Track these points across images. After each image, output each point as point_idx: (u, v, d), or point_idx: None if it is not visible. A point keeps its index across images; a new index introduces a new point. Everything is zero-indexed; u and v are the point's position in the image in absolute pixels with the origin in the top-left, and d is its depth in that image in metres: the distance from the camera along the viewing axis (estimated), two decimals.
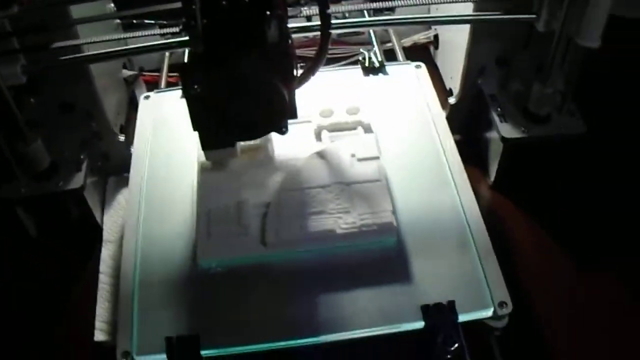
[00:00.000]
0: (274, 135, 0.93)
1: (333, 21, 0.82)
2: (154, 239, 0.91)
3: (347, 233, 0.85)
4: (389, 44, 1.30)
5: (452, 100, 1.20)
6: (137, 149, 1.03)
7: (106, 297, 1.03)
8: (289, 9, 0.84)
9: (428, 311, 0.81)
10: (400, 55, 1.26)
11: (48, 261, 1.10)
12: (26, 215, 1.09)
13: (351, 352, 0.84)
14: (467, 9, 1.06)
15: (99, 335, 0.99)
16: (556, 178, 1.15)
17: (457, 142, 1.01)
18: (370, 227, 0.86)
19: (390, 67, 1.13)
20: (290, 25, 0.85)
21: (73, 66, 1.00)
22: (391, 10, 1.19)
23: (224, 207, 0.88)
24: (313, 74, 0.85)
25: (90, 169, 1.07)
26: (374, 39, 1.25)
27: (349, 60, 1.31)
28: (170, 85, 1.23)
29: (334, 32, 0.97)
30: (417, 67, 1.14)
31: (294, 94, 0.83)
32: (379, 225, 0.86)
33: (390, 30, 1.30)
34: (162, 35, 1.06)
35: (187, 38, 0.92)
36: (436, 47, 1.36)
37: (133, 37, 1.02)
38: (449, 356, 0.82)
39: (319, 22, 0.82)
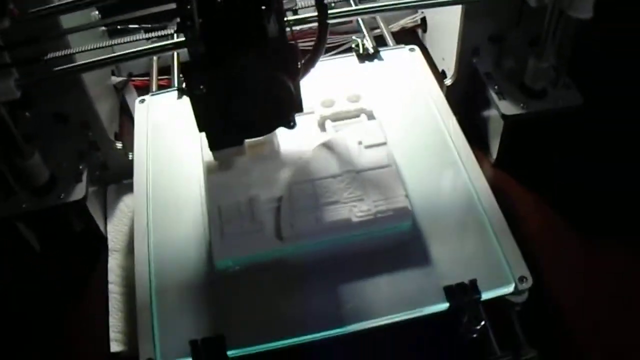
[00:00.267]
0: (278, 130, 0.92)
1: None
2: (165, 243, 0.90)
3: (363, 221, 0.85)
4: (377, 31, 1.30)
5: (448, 81, 1.21)
6: (137, 154, 1.02)
7: (118, 307, 1.03)
8: (283, 1, 0.83)
9: (451, 292, 0.81)
10: (389, 40, 1.26)
11: (49, 263, 1.10)
12: (28, 230, 1.08)
13: (373, 339, 0.85)
14: None
15: (115, 346, 0.98)
16: (555, 152, 1.16)
17: None
18: (385, 213, 0.85)
19: (384, 53, 1.14)
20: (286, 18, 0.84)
21: (66, 76, 0.98)
22: None
23: (235, 204, 0.87)
24: (313, 65, 0.85)
25: (89, 179, 1.06)
26: (362, 26, 1.24)
27: (339, 49, 1.31)
28: (161, 88, 1.22)
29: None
30: (411, 50, 1.14)
31: (299, 87, 0.83)
32: (394, 210, 0.86)
33: (378, 16, 1.30)
34: (148, 39, 1.04)
35: (182, 39, 0.93)
36: (424, 30, 1.36)
37: (124, 42, 1.00)
38: (474, 335, 0.82)
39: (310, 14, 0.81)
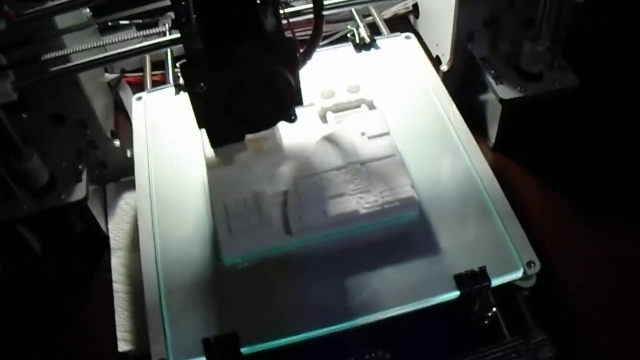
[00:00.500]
0: (279, 123, 0.92)
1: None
2: (172, 241, 0.90)
3: (371, 212, 0.85)
4: (369, 18, 1.29)
5: (443, 67, 1.21)
6: (137, 151, 1.01)
7: (124, 306, 1.03)
8: None
9: (461, 280, 0.82)
10: (382, 27, 1.26)
11: (50, 263, 1.09)
12: (29, 232, 1.08)
13: (384, 330, 0.85)
14: None
15: (123, 346, 0.98)
16: (552, 135, 1.17)
17: None
18: (392, 203, 0.86)
19: (380, 41, 1.14)
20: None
21: (63, 77, 0.97)
22: None
23: (241, 200, 0.87)
24: (310, 57, 0.85)
25: (89, 179, 1.05)
26: (356, 14, 1.24)
27: (331, 38, 1.31)
28: (155, 83, 1.22)
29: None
30: (407, 38, 1.14)
31: (299, 80, 0.83)
32: (401, 200, 0.86)
33: (369, 5, 1.29)
34: (143, 37, 1.04)
35: (177, 36, 0.92)
36: (416, 16, 1.36)
37: (119, 41, 1.00)
38: (485, 322, 0.83)
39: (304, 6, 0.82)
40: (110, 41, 1.00)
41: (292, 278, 0.84)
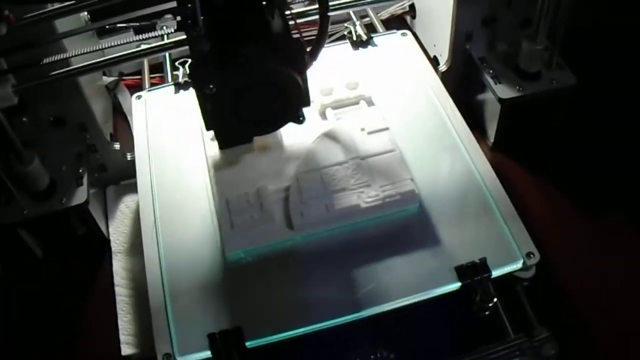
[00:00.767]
0: None
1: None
2: (175, 239, 0.92)
3: (372, 206, 0.88)
4: (367, 19, 1.32)
5: (442, 67, 1.23)
6: (138, 151, 1.04)
7: (127, 310, 1.04)
8: None
9: (462, 271, 0.85)
10: (379, 28, 1.29)
11: (52, 267, 1.11)
12: (30, 237, 1.09)
13: (388, 328, 0.88)
14: None
15: (127, 349, 1.00)
16: (552, 136, 1.19)
17: None
18: (393, 197, 0.89)
19: (377, 38, 1.17)
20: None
21: (63, 80, 0.99)
22: None
23: (243, 196, 0.90)
24: (316, 58, 0.87)
25: (90, 182, 1.07)
26: (352, 14, 1.26)
27: (329, 39, 1.32)
28: (153, 86, 1.23)
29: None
30: (403, 35, 1.17)
31: (307, 81, 0.86)
32: (401, 194, 0.89)
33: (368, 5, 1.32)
34: (143, 39, 1.05)
35: (180, 38, 0.94)
36: (413, 17, 1.39)
37: (118, 45, 1.01)
38: (487, 313, 0.85)
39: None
40: (109, 45, 1.01)
41: (295, 272, 0.87)
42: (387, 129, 0.96)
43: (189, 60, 1.13)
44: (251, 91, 0.82)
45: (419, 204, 0.91)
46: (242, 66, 0.80)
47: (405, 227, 0.90)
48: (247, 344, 0.81)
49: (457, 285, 0.84)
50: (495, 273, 0.85)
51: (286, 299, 0.85)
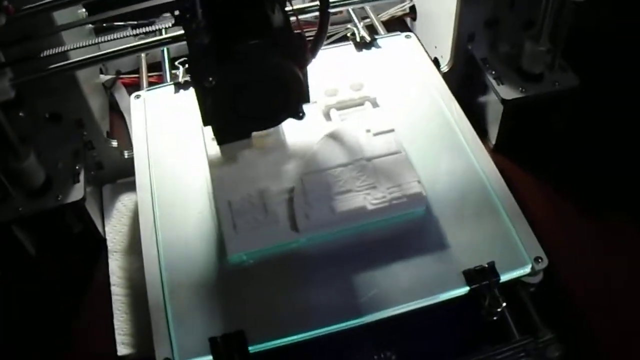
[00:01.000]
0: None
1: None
2: (174, 240, 0.88)
3: (378, 208, 0.84)
4: (367, 20, 1.30)
5: (443, 68, 1.20)
6: (137, 150, 0.99)
7: (123, 309, 1.01)
8: None
9: (470, 276, 0.81)
10: (380, 29, 1.26)
11: (48, 265, 1.08)
12: (24, 234, 1.06)
13: (392, 328, 0.83)
14: None
15: (123, 349, 0.96)
16: (554, 137, 1.17)
17: None
18: (400, 199, 0.85)
19: (381, 40, 1.13)
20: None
21: (60, 74, 0.97)
22: None
23: (246, 197, 0.86)
24: (315, 55, 0.83)
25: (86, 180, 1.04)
26: (354, 15, 1.24)
27: (329, 40, 1.30)
28: (151, 85, 1.20)
29: (314, 13, 0.98)
30: (407, 37, 1.14)
31: (307, 77, 0.82)
32: (408, 196, 0.85)
33: (368, 5, 1.29)
34: (143, 34, 1.03)
35: (179, 32, 0.92)
36: (414, 18, 1.36)
37: (116, 38, 0.99)
38: (494, 318, 0.82)
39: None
40: (106, 39, 0.99)
41: (299, 275, 0.83)
42: (392, 130, 0.92)
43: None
44: (251, 86, 0.78)
45: (425, 207, 0.87)
46: (242, 61, 0.76)
47: (411, 230, 0.86)
48: (250, 348, 0.77)
49: (465, 289, 0.81)
50: (504, 277, 0.82)
51: (289, 303, 0.81)
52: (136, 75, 1.28)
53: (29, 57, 0.92)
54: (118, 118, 1.26)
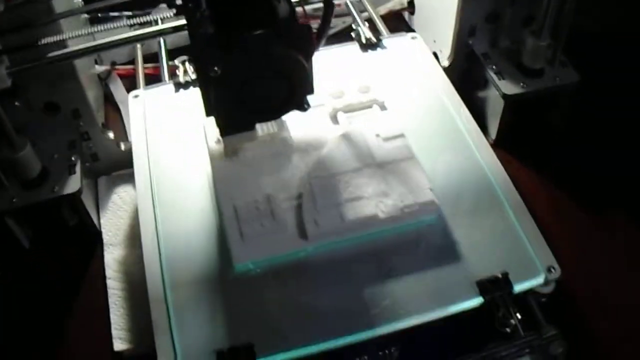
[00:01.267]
0: (289, 123, 0.85)
1: None
2: (177, 249, 0.80)
3: (390, 217, 0.78)
4: (365, 14, 1.22)
5: (443, 63, 1.14)
6: (136, 151, 0.92)
7: (120, 304, 0.94)
8: None
9: (484, 286, 0.75)
10: (379, 24, 1.19)
11: (42, 258, 1.02)
12: (17, 226, 0.99)
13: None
14: None
15: (119, 345, 0.90)
16: (554, 137, 1.13)
17: None
18: (412, 207, 0.78)
19: (386, 41, 1.07)
20: None
21: (58, 63, 0.91)
22: None
23: (252, 203, 0.78)
24: (318, 47, 0.77)
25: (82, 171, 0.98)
26: (353, 10, 1.17)
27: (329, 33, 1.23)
28: (147, 76, 1.14)
29: (311, 6, 0.96)
30: (413, 38, 1.07)
31: (312, 68, 0.75)
32: (420, 204, 0.78)
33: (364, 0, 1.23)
34: (138, 24, 0.97)
35: (180, 22, 0.89)
36: (412, 13, 1.30)
37: (112, 28, 0.93)
38: (508, 329, 0.76)
39: None
40: (103, 29, 0.93)
41: (308, 285, 0.76)
42: (402, 135, 0.85)
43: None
44: (256, 76, 0.72)
45: (437, 214, 0.81)
46: (247, 51, 0.70)
47: (423, 238, 0.80)
48: None
49: (478, 300, 0.75)
50: (517, 288, 0.76)
51: (298, 314, 0.74)
52: (132, 67, 1.21)
53: (26, 45, 0.87)
54: (113, 110, 1.19)
